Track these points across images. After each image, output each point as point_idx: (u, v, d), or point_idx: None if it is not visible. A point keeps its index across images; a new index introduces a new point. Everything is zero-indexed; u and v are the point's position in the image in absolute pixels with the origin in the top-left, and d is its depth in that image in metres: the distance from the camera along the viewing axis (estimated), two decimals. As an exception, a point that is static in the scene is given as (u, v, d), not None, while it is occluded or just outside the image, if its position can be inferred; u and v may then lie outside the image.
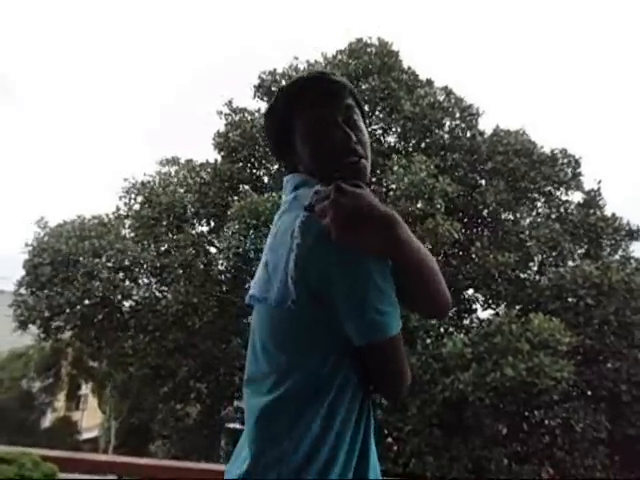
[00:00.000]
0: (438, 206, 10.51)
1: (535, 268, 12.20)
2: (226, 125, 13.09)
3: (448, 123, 12.82)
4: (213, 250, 12.77)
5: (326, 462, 0.88)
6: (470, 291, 12.26)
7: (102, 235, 12.02)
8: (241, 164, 13.10)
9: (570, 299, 10.65)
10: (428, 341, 10.31)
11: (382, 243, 0.86)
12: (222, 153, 13.12)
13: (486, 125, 13.27)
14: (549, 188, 12.53)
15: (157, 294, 12.51)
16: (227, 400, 12.81)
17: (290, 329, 0.94)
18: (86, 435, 21.27)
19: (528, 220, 12.69)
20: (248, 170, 13.33)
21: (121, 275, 12.02)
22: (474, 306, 12.50)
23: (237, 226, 10.87)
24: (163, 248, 12.60)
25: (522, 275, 11.78)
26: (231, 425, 13.61)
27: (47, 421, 20.50)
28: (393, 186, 11.23)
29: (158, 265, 12.08)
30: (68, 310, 11.54)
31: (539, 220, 12.47)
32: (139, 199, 13.15)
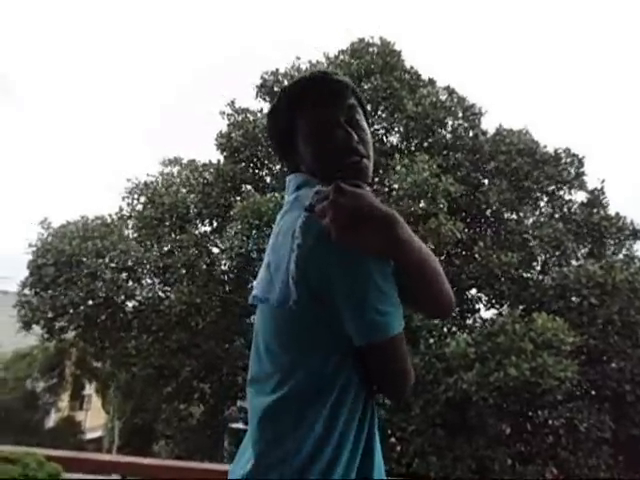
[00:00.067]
0: (441, 206, 10.50)
1: (538, 268, 12.17)
2: (228, 125, 13.10)
3: (451, 123, 12.80)
4: (216, 250, 12.79)
5: (329, 462, 0.88)
6: (473, 291, 12.24)
7: (105, 236, 12.05)
8: (244, 164, 13.11)
9: (574, 299, 10.62)
10: (431, 341, 10.29)
11: (382, 243, 0.86)
12: (225, 153, 13.13)
13: (489, 124, 13.26)
14: (552, 187, 12.50)
15: (160, 294, 12.54)
16: (230, 400, 12.83)
17: (292, 329, 0.94)
18: (90, 435, 21.33)
19: (531, 220, 12.67)
20: (251, 170, 13.34)
21: (124, 275, 12.05)
22: (477, 306, 12.48)
23: (240, 226, 10.89)
24: (166, 248, 12.62)
25: (525, 275, 11.75)
26: (234, 425, 13.62)
27: (51, 421, 20.55)
28: (396, 186, 11.22)
29: (161, 265, 12.10)
30: (72, 310, 11.57)
31: (542, 220, 12.45)
32: (142, 199, 13.17)
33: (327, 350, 0.92)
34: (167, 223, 12.78)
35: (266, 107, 12.93)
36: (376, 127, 12.88)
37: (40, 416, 19.75)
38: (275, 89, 12.79)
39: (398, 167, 10.85)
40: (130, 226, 13.30)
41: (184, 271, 11.91)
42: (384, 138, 13.18)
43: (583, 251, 12.23)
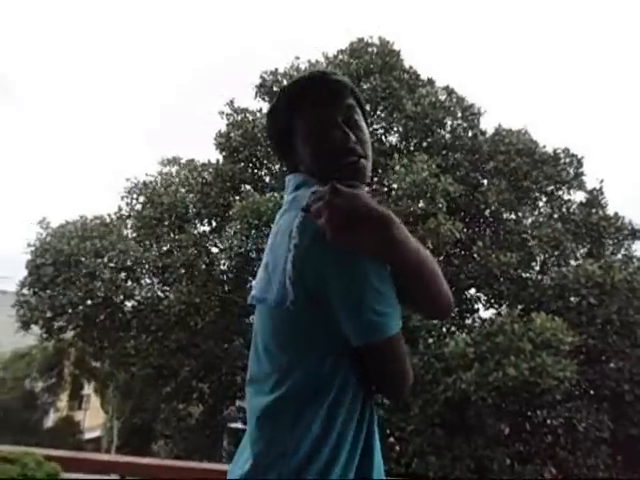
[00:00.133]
0: (440, 206, 10.50)
1: (537, 268, 12.18)
2: (228, 125, 13.10)
3: (450, 122, 12.81)
4: (215, 250, 12.79)
5: (327, 462, 0.88)
6: (472, 291, 12.25)
7: (104, 235, 12.05)
8: (243, 164, 13.11)
9: (572, 298, 10.64)
10: (430, 341, 10.30)
11: (378, 244, 0.85)
12: (224, 153, 13.13)
13: (488, 124, 13.26)
14: (551, 187, 12.51)
15: (159, 294, 12.53)
16: (229, 400, 12.83)
17: (290, 330, 0.94)
18: (89, 435, 21.32)
19: (530, 219, 12.68)
20: (250, 170, 13.34)
21: (123, 275, 12.05)
22: (476, 306, 12.49)
23: (239, 226, 10.89)
24: (165, 248, 12.62)
25: (524, 275, 11.76)
26: (233, 425, 13.61)
27: (50, 421, 20.53)
28: (395, 186, 11.23)
29: (160, 265, 12.10)
30: (70, 310, 11.57)
31: (541, 220, 12.46)
32: (141, 199, 13.17)
33: (324, 350, 0.92)
34: (166, 223, 12.78)
35: (265, 107, 12.93)
36: (375, 127, 12.88)
37: (39, 416, 19.73)
38: (274, 89, 12.79)
39: (397, 167, 10.86)
40: (129, 226, 13.30)
41: (183, 271, 11.90)
42: (383, 138, 13.18)
43: (582, 251, 12.24)
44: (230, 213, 11.59)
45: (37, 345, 17.75)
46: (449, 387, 9.39)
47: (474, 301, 12.45)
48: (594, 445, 9.65)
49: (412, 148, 12.63)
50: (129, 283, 12.23)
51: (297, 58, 13.30)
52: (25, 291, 12.00)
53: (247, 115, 13.05)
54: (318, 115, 1.05)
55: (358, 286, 0.87)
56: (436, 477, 9.30)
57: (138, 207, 13.19)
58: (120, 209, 13.40)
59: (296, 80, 1.16)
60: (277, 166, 12.86)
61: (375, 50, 12.97)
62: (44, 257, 11.60)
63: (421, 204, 10.63)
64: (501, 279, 11.34)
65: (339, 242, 0.85)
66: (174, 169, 13.85)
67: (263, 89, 13.19)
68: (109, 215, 13.27)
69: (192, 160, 13.74)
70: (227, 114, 13.16)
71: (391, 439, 10.08)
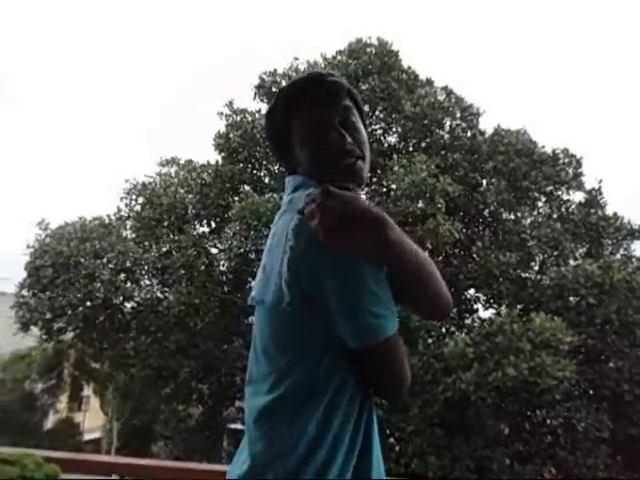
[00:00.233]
0: (439, 206, 10.51)
1: (536, 268, 12.19)
2: (227, 126, 13.09)
3: (449, 123, 12.82)
4: (214, 251, 12.78)
5: (324, 463, 0.88)
6: (471, 291, 12.26)
7: (103, 237, 12.04)
8: (242, 165, 13.11)
9: (572, 298, 10.65)
10: (429, 341, 10.31)
11: (372, 245, 0.85)
12: (223, 154, 13.12)
13: (487, 125, 13.27)
14: (550, 188, 12.52)
15: (159, 295, 12.53)
16: (229, 401, 12.82)
17: (287, 331, 0.94)
18: (88, 436, 21.29)
19: (529, 220, 12.69)
20: (249, 171, 13.33)
21: (122, 276, 12.05)
22: (475, 306, 12.50)
23: (238, 227, 10.88)
24: (164, 249, 12.62)
25: (523, 275, 11.77)
26: (233, 426, 13.62)
27: (49, 422, 20.51)
28: (394, 186, 11.23)
29: (159, 266, 12.09)
30: (70, 312, 11.56)
31: (540, 220, 12.47)
32: (140, 200, 13.17)
33: (321, 352, 0.92)
34: (165, 224, 12.77)
35: (264, 108, 12.93)
36: (374, 127, 12.89)
37: (38, 417, 19.72)
38: (273, 90, 12.79)
39: (396, 167, 10.86)
40: (128, 227, 13.30)
41: (182, 272, 11.89)
42: (382, 138, 13.19)
43: (581, 251, 12.25)
44: (229, 214, 11.59)
45: (37, 346, 17.74)
46: (448, 387, 9.39)
47: (473, 301, 12.46)
48: (594, 445, 9.66)
49: (411, 148, 12.64)
50: (128, 284, 12.22)
51: (296, 59, 13.32)
52: (24, 292, 12.00)
53: (246, 116, 13.05)
54: (315, 117, 1.05)
55: (354, 288, 0.87)
56: (436, 477, 9.30)
57: (137, 208, 13.19)
58: (119, 210, 13.41)
59: (294, 81, 1.16)
60: (276, 167, 12.86)
61: (374, 51, 12.97)
62: (43, 258, 11.60)
63: (420, 204, 10.64)
64: (500, 279, 11.35)
65: (332, 244, 0.85)
66: (173, 170, 13.86)
67: (262, 90, 13.19)
68: (108, 216, 13.28)
69: (191, 161, 13.75)
70: (226, 115, 13.16)
71: (391, 439, 10.09)
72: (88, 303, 11.61)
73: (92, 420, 21.77)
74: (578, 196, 12.76)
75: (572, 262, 11.76)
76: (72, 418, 21.66)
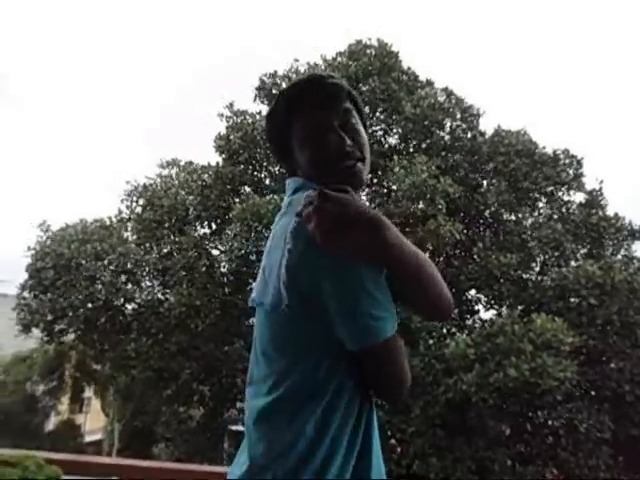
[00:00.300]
0: (440, 207, 10.51)
1: (537, 268, 12.18)
2: (227, 127, 13.10)
3: (449, 124, 12.82)
4: (215, 252, 12.79)
5: (322, 464, 0.88)
6: (472, 292, 12.25)
7: (104, 238, 12.06)
8: (242, 166, 13.11)
9: (573, 299, 10.64)
10: (430, 342, 10.31)
11: (369, 247, 0.85)
12: (223, 155, 13.13)
13: (487, 125, 13.26)
14: (551, 188, 12.51)
15: (159, 297, 12.54)
16: (230, 402, 12.82)
17: (286, 333, 0.95)
18: (89, 438, 21.29)
19: (530, 220, 12.69)
20: (249, 172, 13.34)
21: (123, 278, 12.06)
22: (476, 307, 12.50)
23: (239, 228, 10.89)
24: (165, 251, 12.62)
25: (524, 275, 11.77)
26: (234, 427, 13.61)
27: (51, 424, 20.53)
28: (394, 187, 11.24)
29: (160, 268, 12.10)
30: (71, 313, 11.58)
31: (541, 220, 12.47)
32: (141, 202, 13.18)
33: (319, 354, 0.92)
34: (166, 225, 12.79)
35: (264, 109, 12.95)
36: (374, 129, 12.90)
37: (40, 419, 19.74)
38: (273, 91, 12.81)
39: (396, 168, 10.87)
40: (129, 229, 13.31)
41: (183, 273, 11.90)
42: (382, 140, 13.19)
43: (582, 252, 12.24)
44: (230, 215, 11.59)
45: (38, 348, 17.77)
46: (450, 388, 9.39)
47: (474, 302, 12.45)
48: (595, 446, 9.65)
49: (411, 149, 12.64)
50: (129, 286, 12.24)
51: (296, 60, 13.34)
52: (26, 294, 12.02)
53: (247, 117, 13.06)
54: (315, 119, 1.05)
55: (352, 291, 0.87)
56: (437, 478, 9.29)
57: (138, 210, 13.21)
58: (120, 212, 13.44)
59: (294, 83, 1.16)
60: (277, 168, 12.87)
61: (373, 52, 12.98)
62: (44, 260, 11.62)
63: (421, 205, 10.64)
64: (501, 280, 11.35)
65: (329, 247, 0.85)
66: (174, 171, 13.87)
67: (262, 92, 13.21)
68: (109, 218, 13.31)
69: (191, 162, 13.76)
70: (227, 116, 13.18)
71: (392, 441, 10.08)
72: (89, 305, 11.62)
73: (93, 422, 21.77)
74: (579, 197, 12.77)
75: (573, 263, 11.75)
76: (73, 420, 21.68)
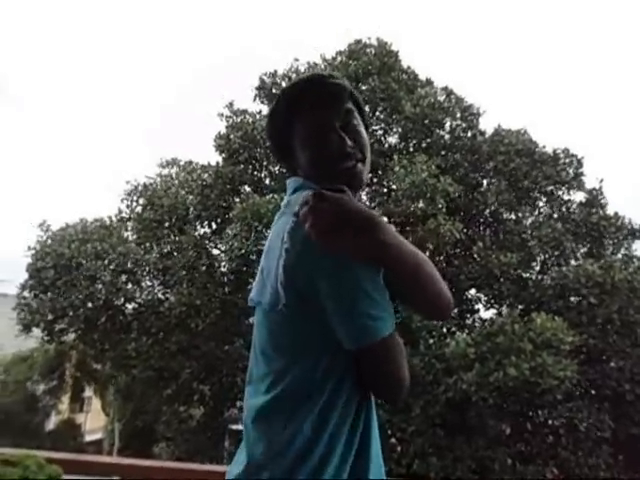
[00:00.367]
0: (440, 206, 10.51)
1: (537, 268, 12.19)
2: (227, 127, 13.10)
3: (449, 123, 12.82)
4: (216, 252, 12.80)
5: (319, 463, 0.88)
6: (472, 291, 12.26)
7: (104, 238, 12.06)
8: (242, 166, 13.11)
9: (573, 298, 10.65)
10: (431, 341, 10.31)
11: (365, 247, 0.85)
12: (223, 155, 13.13)
13: (487, 125, 13.26)
14: (551, 188, 12.52)
15: (160, 296, 12.55)
16: (230, 401, 12.82)
17: (285, 332, 0.95)
18: (90, 437, 21.29)
19: (530, 220, 12.69)
20: (250, 172, 13.34)
21: (124, 278, 12.06)
22: (477, 306, 12.50)
23: (239, 228, 10.89)
24: (165, 250, 12.63)
25: (524, 275, 11.77)
26: (235, 426, 13.61)
27: (51, 423, 20.53)
28: (394, 186, 11.24)
29: (161, 267, 12.11)
30: (71, 313, 11.58)
31: (541, 220, 12.47)
32: (141, 201, 13.19)
33: (317, 354, 0.92)
34: (166, 225, 12.79)
35: (264, 109, 12.95)
36: (374, 128, 12.89)
37: (40, 419, 19.74)
38: (273, 91, 12.81)
39: (396, 168, 10.87)
40: (129, 228, 13.32)
41: (184, 273, 11.91)
42: (382, 139, 13.19)
43: (582, 251, 12.25)
44: (230, 215, 11.60)
45: (38, 348, 17.78)
46: (450, 387, 9.39)
47: (474, 301, 12.46)
48: (595, 445, 9.66)
49: (411, 149, 12.64)
50: (130, 285, 12.24)
51: (296, 60, 13.33)
52: (26, 294, 12.02)
53: (247, 117, 13.06)
54: (316, 119, 1.05)
55: (349, 291, 0.87)
56: (437, 478, 9.30)
57: (138, 209, 13.22)
58: (120, 211, 13.44)
59: (295, 82, 1.15)
60: (277, 168, 12.87)
61: (373, 51, 12.98)
62: (45, 260, 11.62)
63: (421, 205, 10.64)
64: (501, 279, 11.35)
65: (326, 247, 0.85)
66: (174, 171, 13.87)
67: (262, 91, 13.20)
68: (109, 218, 13.31)
69: (191, 162, 13.77)
70: (227, 116, 13.18)
71: (392, 440, 10.09)
72: (89, 304, 11.63)
73: (94, 421, 21.77)
74: (579, 196, 12.78)
75: (573, 262, 11.75)
76: (74, 419, 21.68)
